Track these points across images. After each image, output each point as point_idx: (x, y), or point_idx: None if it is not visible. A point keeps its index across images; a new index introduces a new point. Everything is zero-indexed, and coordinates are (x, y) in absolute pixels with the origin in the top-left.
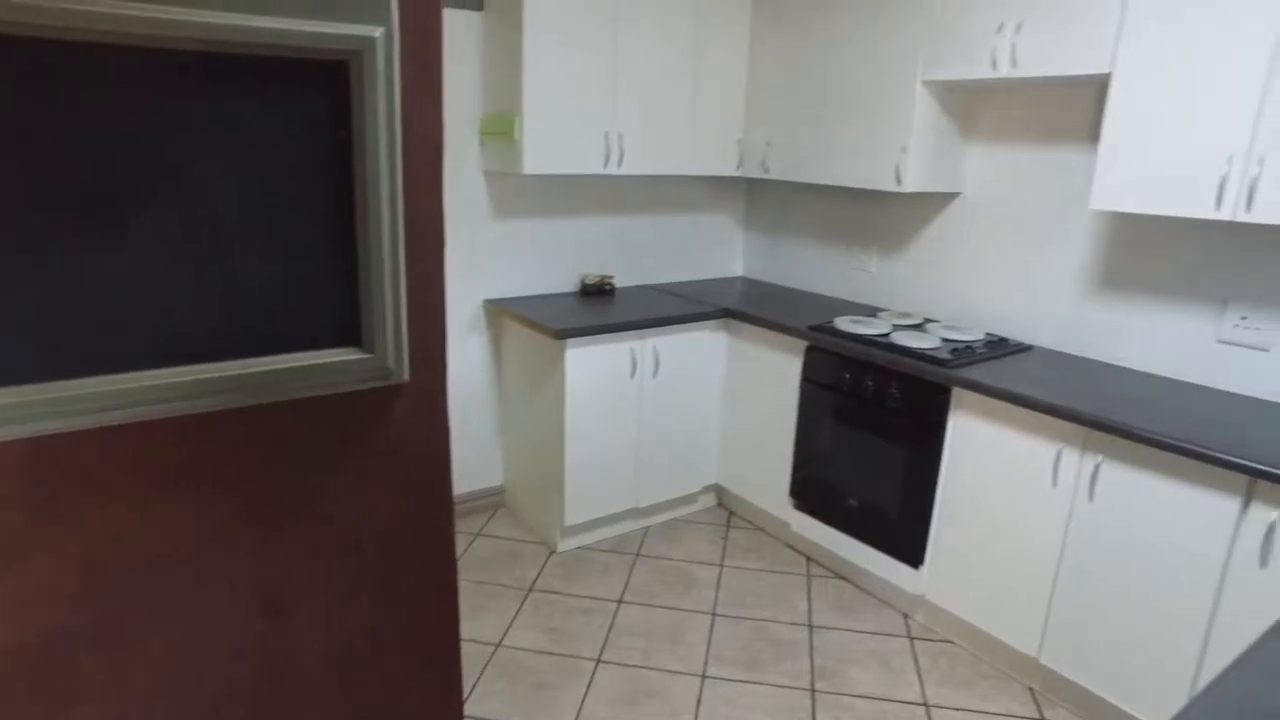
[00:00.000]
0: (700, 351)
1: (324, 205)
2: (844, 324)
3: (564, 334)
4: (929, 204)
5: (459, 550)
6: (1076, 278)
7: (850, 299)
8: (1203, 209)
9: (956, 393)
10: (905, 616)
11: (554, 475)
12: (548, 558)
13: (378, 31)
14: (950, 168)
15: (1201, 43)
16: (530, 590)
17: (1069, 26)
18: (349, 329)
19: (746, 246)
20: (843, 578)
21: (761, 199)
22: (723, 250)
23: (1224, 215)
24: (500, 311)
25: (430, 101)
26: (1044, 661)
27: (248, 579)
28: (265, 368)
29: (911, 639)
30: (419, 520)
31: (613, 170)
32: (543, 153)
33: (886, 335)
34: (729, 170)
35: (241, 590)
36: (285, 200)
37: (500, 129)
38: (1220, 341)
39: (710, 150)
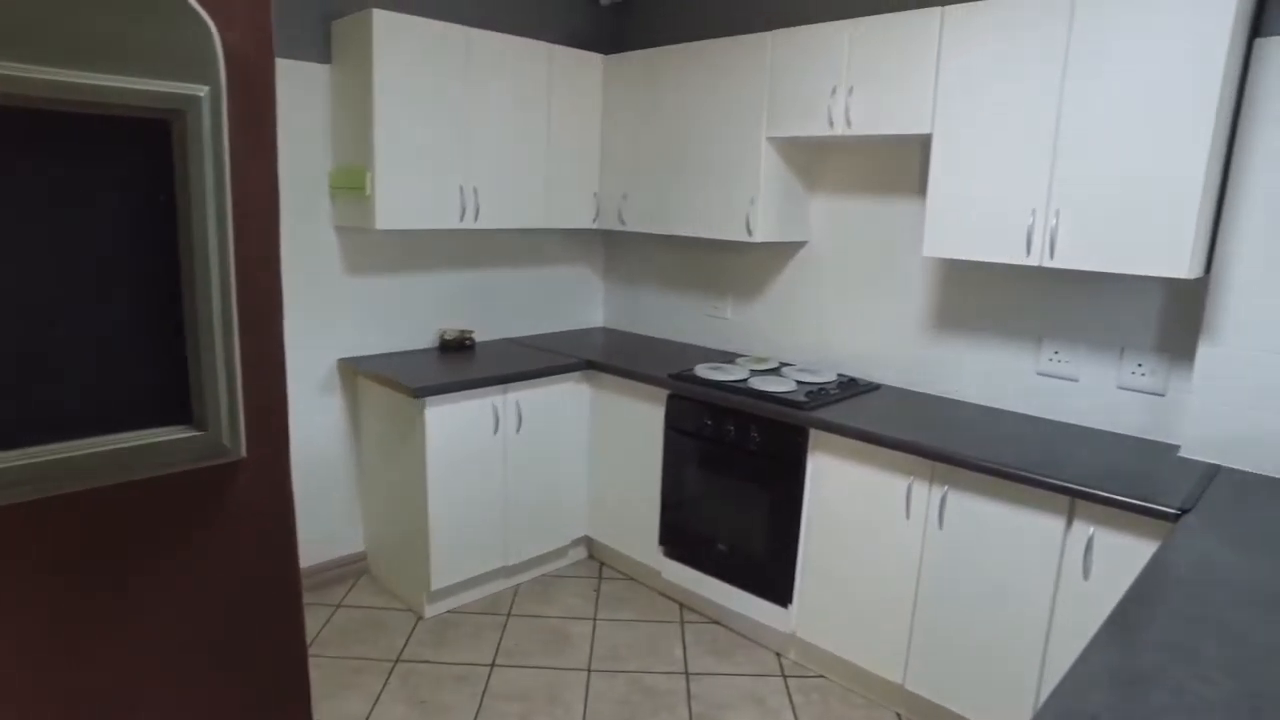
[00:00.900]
0: (563, 404)
1: (146, 273)
2: (703, 371)
3: (422, 392)
4: (779, 253)
5: (317, 625)
6: (916, 319)
7: (709, 346)
8: (1015, 256)
9: (814, 433)
10: (778, 656)
11: (418, 538)
12: (415, 624)
13: (203, 90)
14: (797, 218)
15: (1000, 110)
16: (397, 661)
17: (893, 91)
18: (178, 405)
19: (607, 297)
20: (716, 622)
21: (620, 250)
22: (583, 302)
23: (1033, 261)
24: (355, 371)
25: (263, 162)
26: (909, 687)
27: (58, 695)
28: (77, 452)
29: (785, 677)
30: (262, 605)
31: (469, 224)
32: (396, 207)
33: (745, 380)
34: (586, 223)
35: (50, 710)
36: (100, 268)
37: (351, 183)
38: (1039, 374)
39: (567, 203)
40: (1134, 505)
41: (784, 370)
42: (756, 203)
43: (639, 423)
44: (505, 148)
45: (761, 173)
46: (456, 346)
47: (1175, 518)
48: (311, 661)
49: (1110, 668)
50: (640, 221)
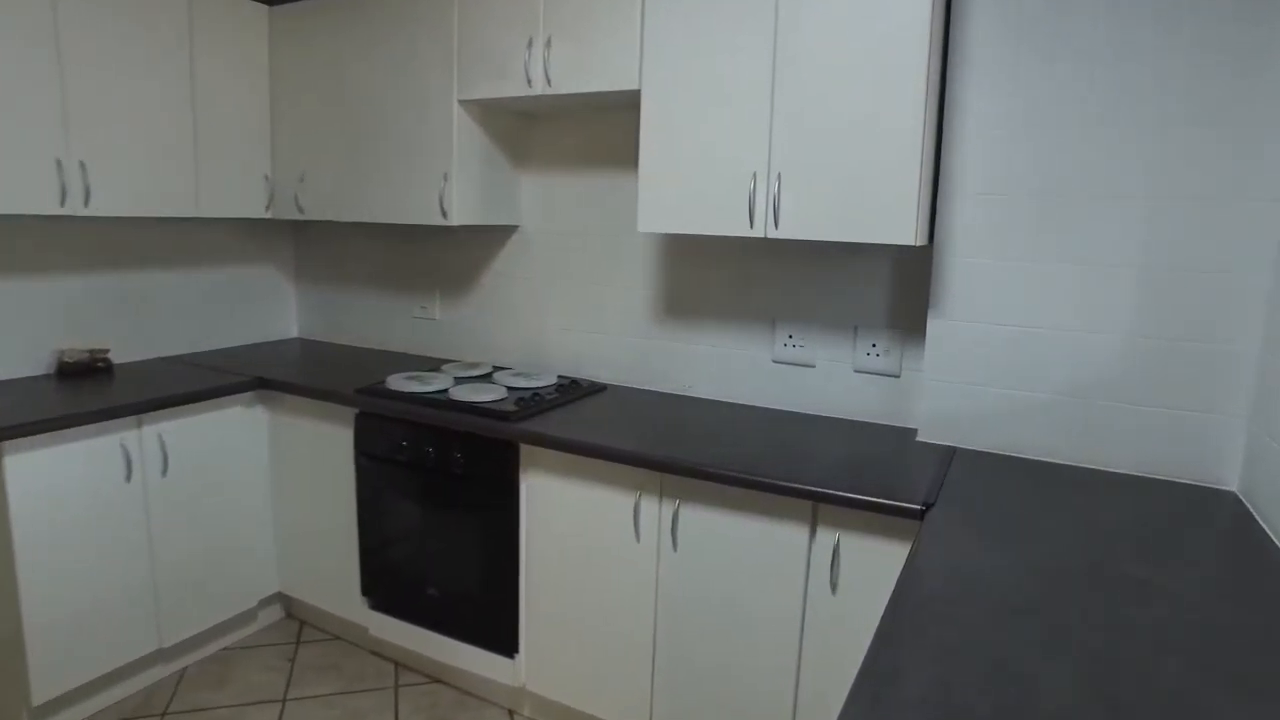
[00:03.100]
0: (231, 434)
1: None
2: (396, 383)
3: None
4: (487, 240)
5: None
6: (644, 308)
7: (417, 352)
8: (738, 227)
9: (525, 449)
10: (510, 713)
11: (9, 639)
12: None
13: None
14: (504, 198)
15: (712, 62)
16: None
17: (595, 42)
18: None
19: (300, 302)
20: (438, 681)
21: (312, 245)
22: (271, 308)
23: (757, 233)
24: None
25: None
26: None
27: None
28: None
29: None
30: None
31: (76, 210)
32: None
33: (444, 391)
34: (257, 211)
35: None
36: None
37: None
38: (775, 362)
39: (227, 187)
40: (876, 505)
41: (496, 376)
42: (451, 179)
43: (326, 450)
44: (128, 117)
45: (455, 143)
46: (83, 370)
47: (920, 514)
48: None
49: None
50: (321, 207)
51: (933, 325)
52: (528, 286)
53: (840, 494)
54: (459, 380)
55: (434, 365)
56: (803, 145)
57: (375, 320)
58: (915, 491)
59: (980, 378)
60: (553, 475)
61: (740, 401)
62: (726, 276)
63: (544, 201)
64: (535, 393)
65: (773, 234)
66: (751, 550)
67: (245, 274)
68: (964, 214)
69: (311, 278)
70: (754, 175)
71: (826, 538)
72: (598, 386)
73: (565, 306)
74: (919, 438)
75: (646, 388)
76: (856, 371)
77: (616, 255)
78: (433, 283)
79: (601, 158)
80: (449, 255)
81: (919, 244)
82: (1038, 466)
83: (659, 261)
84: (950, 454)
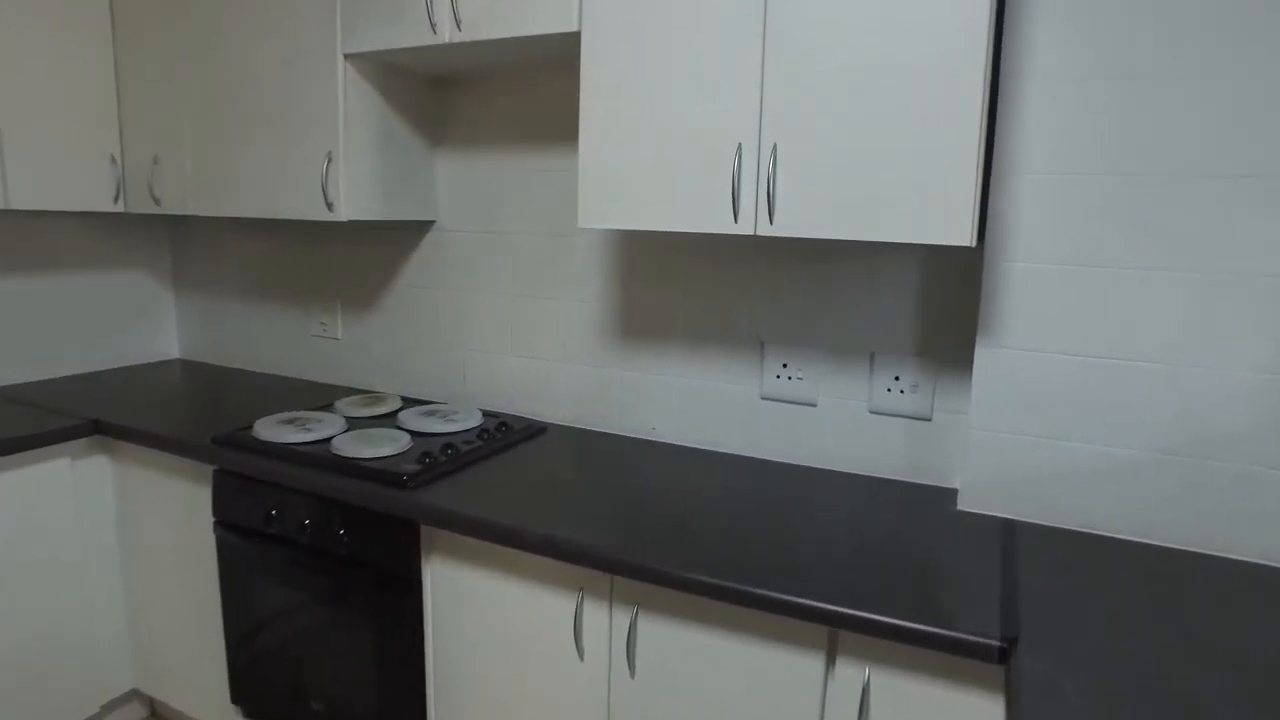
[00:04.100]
0: (54, 496)
1: None
2: (266, 429)
3: None
4: (396, 240)
5: None
6: (596, 328)
7: (317, 378)
8: (718, 222)
9: (429, 529)
10: None
11: None
12: None
13: None
14: (415, 187)
15: None
16: None
17: None
18: None
19: (181, 316)
20: None
21: (194, 247)
22: (144, 324)
23: (745, 229)
24: None
25: None
26: None
27: None
28: None
29: None
30: None
31: None
32: None
33: (327, 441)
34: (103, 204)
35: None
36: None
37: None
38: (765, 398)
39: (54, 174)
40: (929, 637)
41: (402, 416)
42: (338, 161)
43: (182, 516)
44: None
45: (342, 113)
46: None
47: (1000, 653)
48: None
49: None
50: (179, 197)
51: (981, 353)
52: (448, 298)
53: (872, 618)
54: (352, 422)
55: (328, 399)
56: (809, 104)
57: (269, 338)
58: (982, 609)
59: (1047, 426)
60: (465, 563)
61: (719, 449)
62: (702, 286)
63: (467, 191)
64: (448, 442)
65: (766, 231)
66: (739, 682)
67: (109, 282)
68: (1027, 201)
69: (194, 287)
70: (739, 147)
71: (851, 673)
72: (535, 428)
73: (495, 324)
74: (960, 505)
75: (598, 429)
76: (873, 413)
77: (561, 259)
78: (333, 292)
79: (541, 134)
80: (352, 259)
81: (973, 245)
82: (1134, 551)
83: (616, 267)
84: (1009, 531)
